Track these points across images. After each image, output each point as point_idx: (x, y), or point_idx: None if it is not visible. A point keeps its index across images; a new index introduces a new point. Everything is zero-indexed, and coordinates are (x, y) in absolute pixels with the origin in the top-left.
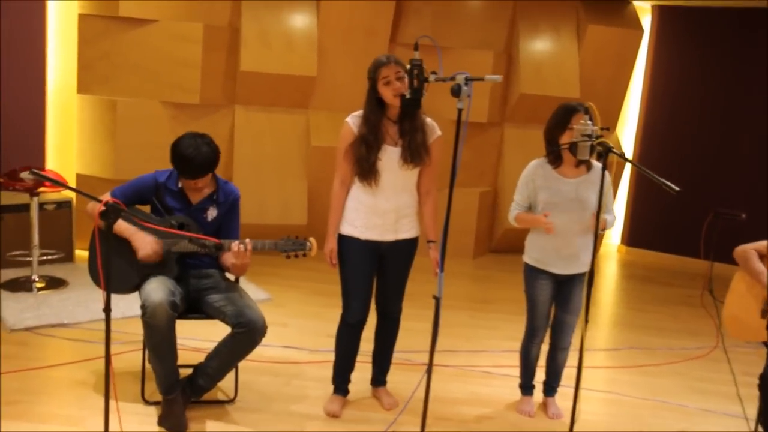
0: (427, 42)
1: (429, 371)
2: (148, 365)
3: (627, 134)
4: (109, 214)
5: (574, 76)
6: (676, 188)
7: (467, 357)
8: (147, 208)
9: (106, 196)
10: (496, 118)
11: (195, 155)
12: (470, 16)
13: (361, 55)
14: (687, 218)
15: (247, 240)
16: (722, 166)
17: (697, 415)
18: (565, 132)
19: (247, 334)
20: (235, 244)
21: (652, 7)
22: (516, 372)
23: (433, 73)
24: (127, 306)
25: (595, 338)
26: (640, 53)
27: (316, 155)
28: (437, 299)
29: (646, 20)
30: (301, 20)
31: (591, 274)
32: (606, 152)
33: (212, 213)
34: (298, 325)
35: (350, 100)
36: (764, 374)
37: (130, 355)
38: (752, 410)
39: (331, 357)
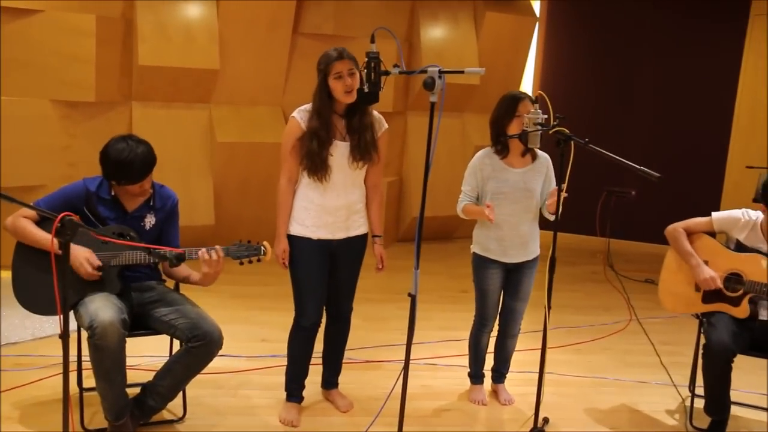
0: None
1: (405, 369)
2: (75, 388)
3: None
4: (67, 230)
5: (473, 62)
6: (657, 174)
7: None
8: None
9: (24, 211)
10: (399, 107)
11: (133, 158)
12: (371, 6)
13: (263, 46)
14: (582, 198)
15: (217, 247)
16: (612, 146)
17: (634, 388)
18: (513, 121)
19: (203, 347)
20: (203, 252)
21: None
22: (458, 361)
23: (396, 66)
24: (36, 327)
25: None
26: (533, 39)
27: (222, 152)
28: (413, 297)
29: (536, 6)
30: (199, 11)
31: (552, 260)
32: (566, 140)
33: (150, 220)
34: (227, 331)
35: (254, 93)
36: (708, 344)
37: (52, 380)
38: (678, 377)
39: (272, 362)
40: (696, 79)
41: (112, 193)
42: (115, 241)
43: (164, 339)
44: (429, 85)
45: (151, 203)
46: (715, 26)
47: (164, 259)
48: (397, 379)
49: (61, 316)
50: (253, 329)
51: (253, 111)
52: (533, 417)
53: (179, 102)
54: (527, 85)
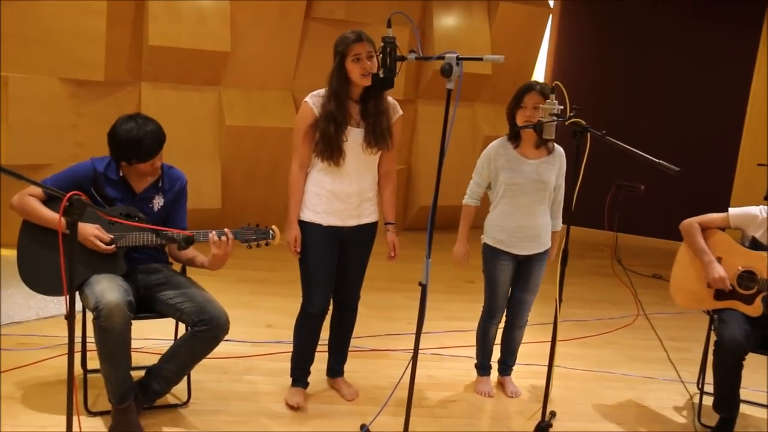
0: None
1: (414, 359)
2: (79, 370)
3: None
4: (75, 209)
5: (486, 52)
6: (676, 168)
7: (413, 340)
8: None
9: (31, 189)
10: (410, 94)
11: (143, 135)
12: None
13: (275, 30)
14: (590, 191)
15: (227, 229)
16: (622, 140)
17: (640, 383)
18: (518, 111)
19: (209, 331)
20: (213, 235)
21: None
22: (464, 352)
23: (412, 51)
24: (40, 306)
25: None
26: (546, 30)
27: (230, 135)
28: (423, 286)
29: None
30: None
31: (565, 253)
32: (582, 131)
33: (158, 202)
34: (232, 316)
35: (264, 76)
36: (719, 342)
37: (56, 361)
38: (686, 374)
39: (278, 348)
40: (708, 76)
41: (121, 174)
42: (123, 222)
43: (169, 322)
44: (447, 72)
45: (160, 184)
46: (729, 23)
47: (172, 242)
48: (406, 368)
49: (67, 297)
50: (259, 314)
51: (262, 95)
52: (540, 410)
53: (189, 84)
54: (539, 76)
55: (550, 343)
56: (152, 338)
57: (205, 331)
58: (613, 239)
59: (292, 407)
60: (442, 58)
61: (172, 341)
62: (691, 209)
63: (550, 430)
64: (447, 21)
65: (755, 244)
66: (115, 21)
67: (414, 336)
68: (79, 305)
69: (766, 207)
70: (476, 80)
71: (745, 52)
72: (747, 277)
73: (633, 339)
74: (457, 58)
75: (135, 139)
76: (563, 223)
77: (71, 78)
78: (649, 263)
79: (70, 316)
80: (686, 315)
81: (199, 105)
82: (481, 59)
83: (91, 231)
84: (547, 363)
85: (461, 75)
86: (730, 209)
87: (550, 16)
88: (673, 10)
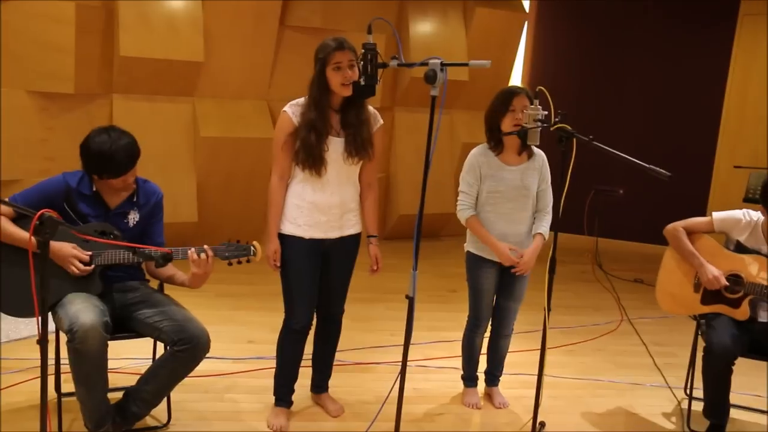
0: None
1: (402, 372)
2: (53, 394)
3: None
4: (46, 228)
5: (462, 57)
6: (667, 173)
7: (396, 352)
8: None
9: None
10: (387, 102)
11: (115, 150)
12: None
13: (249, 38)
14: (569, 196)
15: (206, 246)
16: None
17: (628, 390)
18: (506, 115)
19: (189, 351)
20: (192, 252)
21: None
22: (449, 363)
23: (394, 58)
24: (11, 328)
25: None
26: (522, 35)
27: (205, 146)
28: (411, 299)
29: (526, 3)
30: (183, 1)
31: (553, 261)
32: (568, 137)
33: (134, 217)
34: (212, 332)
35: (239, 86)
36: (708, 347)
37: (28, 386)
38: (672, 379)
39: (260, 365)
40: (684, 79)
41: (94, 189)
42: (99, 240)
43: (147, 340)
44: (431, 78)
45: (135, 199)
46: (704, 26)
47: (150, 259)
48: (394, 383)
49: (39, 319)
50: (240, 330)
51: (237, 105)
52: (530, 421)
53: (162, 95)
54: (516, 81)
55: (538, 352)
56: (129, 357)
57: (184, 350)
58: (593, 244)
59: (274, 430)
60: (425, 64)
61: (151, 360)
62: (670, 213)
63: None
64: (423, 27)
65: (740, 248)
66: (84, 30)
67: (401, 348)
68: (52, 326)
69: (749, 210)
70: (453, 87)
71: (720, 55)
72: (733, 280)
73: (618, 345)
74: (442, 64)
75: (107, 153)
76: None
77: (40, 90)
78: (629, 268)
79: (42, 341)
80: (669, 319)
81: (172, 116)
82: (467, 65)
83: (68, 251)
84: (533, 372)
85: (446, 81)
86: (714, 213)
87: (526, 21)
88: (648, 14)
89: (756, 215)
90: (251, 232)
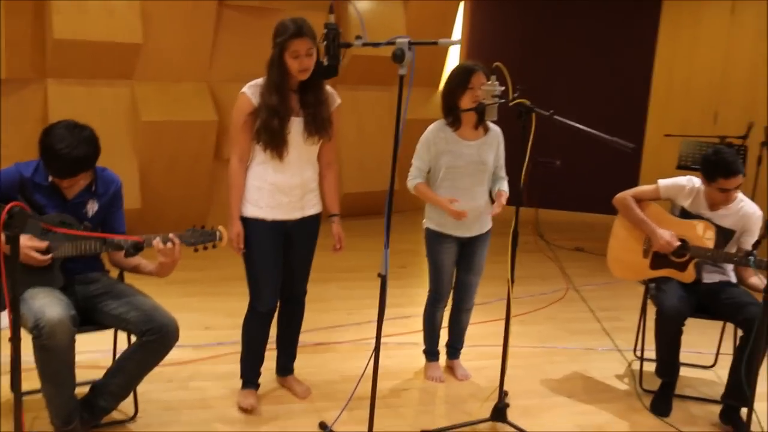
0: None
1: (377, 350)
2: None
3: None
4: (16, 222)
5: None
6: (631, 145)
7: (355, 331)
8: None
9: None
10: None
11: (66, 154)
12: None
13: (188, 18)
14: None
15: (171, 234)
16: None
17: (581, 355)
18: (465, 93)
19: (159, 341)
20: (157, 241)
21: None
22: (407, 339)
23: (358, 37)
24: None
25: None
26: (459, 13)
27: (147, 131)
28: (383, 277)
29: None
30: None
31: (515, 233)
32: (528, 111)
33: (92, 207)
34: None
35: (179, 68)
36: (661, 310)
37: None
38: (621, 342)
39: (221, 350)
40: (615, 54)
41: (50, 179)
42: (70, 232)
43: (106, 333)
44: (399, 57)
45: (93, 189)
46: (633, 4)
47: (120, 249)
48: (369, 360)
49: (10, 317)
50: (195, 317)
51: (178, 87)
52: (496, 391)
53: (99, 78)
54: (454, 59)
55: (494, 323)
56: (88, 351)
57: (154, 340)
58: (533, 215)
59: (245, 410)
60: (392, 43)
61: (111, 352)
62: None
63: (507, 410)
64: (362, 4)
65: (685, 214)
66: (13, 12)
67: (359, 327)
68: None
69: (692, 177)
70: (392, 64)
71: (648, 30)
72: (679, 245)
73: (567, 312)
74: (410, 43)
75: (56, 153)
76: (513, 205)
77: None
78: (569, 237)
79: (14, 338)
80: (613, 285)
81: (111, 101)
82: (436, 43)
83: (23, 242)
84: (491, 343)
85: (413, 60)
86: (660, 181)
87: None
88: None
89: (698, 182)
90: (196, 216)
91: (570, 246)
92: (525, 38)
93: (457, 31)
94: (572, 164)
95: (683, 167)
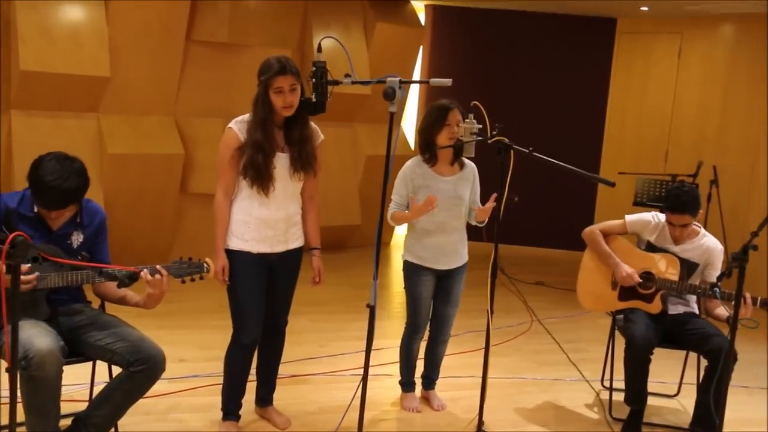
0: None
1: (364, 380)
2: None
3: (408, 127)
4: (18, 252)
5: (365, 72)
6: (612, 181)
7: (329, 362)
8: None
9: None
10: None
11: (54, 187)
12: (265, 14)
13: (155, 53)
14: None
15: (159, 266)
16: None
17: (551, 386)
18: (442, 130)
19: (147, 371)
20: (145, 273)
21: (426, 6)
22: (381, 371)
23: (347, 75)
24: None
25: None
26: (419, 50)
27: (113, 164)
28: (372, 307)
29: (422, 17)
30: (87, 15)
31: (494, 267)
32: (506, 149)
33: (78, 238)
34: None
35: (145, 101)
36: (631, 340)
37: None
38: (588, 373)
39: (197, 383)
40: (570, 92)
41: (35, 210)
42: (72, 263)
43: (82, 367)
44: (390, 96)
45: (78, 220)
46: (586, 42)
47: (114, 279)
48: (356, 391)
49: (9, 347)
50: (168, 350)
51: (144, 121)
52: (473, 421)
53: (66, 111)
54: (414, 94)
55: (467, 354)
56: (64, 384)
57: (141, 371)
58: (492, 250)
59: None
60: (383, 82)
61: (88, 386)
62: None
63: None
64: (326, 42)
65: (650, 247)
66: None
67: (332, 358)
68: None
69: (657, 213)
70: (354, 100)
71: (601, 69)
72: (645, 277)
73: (534, 344)
74: (400, 82)
75: (45, 185)
76: (491, 241)
77: None
78: (529, 271)
79: (12, 368)
80: (574, 317)
81: (77, 133)
82: (428, 82)
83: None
84: (465, 374)
85: (403, 98)
86: (627, 216)
87: (422, 36)
88: (536, 29)
89: (663, 217)
90: (162, 250)
91: (530, 280)
92: (481, 74)
93: (418, 67)
94: (529, 200)
95: (639, 203)
